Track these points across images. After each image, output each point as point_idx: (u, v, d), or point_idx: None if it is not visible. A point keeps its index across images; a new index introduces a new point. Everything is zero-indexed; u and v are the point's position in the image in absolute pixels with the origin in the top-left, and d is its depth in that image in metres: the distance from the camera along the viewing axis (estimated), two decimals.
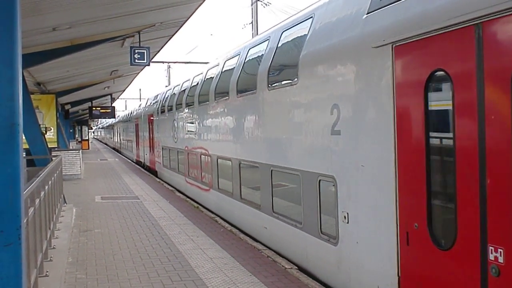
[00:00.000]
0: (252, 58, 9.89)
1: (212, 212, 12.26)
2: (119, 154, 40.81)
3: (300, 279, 6.91)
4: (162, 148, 20.38)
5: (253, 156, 9.43)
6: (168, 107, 18.79)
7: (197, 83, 14.18)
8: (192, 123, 14.56)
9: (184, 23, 13.33)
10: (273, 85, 8.41)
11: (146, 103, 27.32)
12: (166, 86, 26.82)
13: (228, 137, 11.02)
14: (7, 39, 3.58)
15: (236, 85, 10.23)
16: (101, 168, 26.89)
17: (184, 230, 10.25)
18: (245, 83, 9.96)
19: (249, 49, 10.19)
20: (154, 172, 23.00)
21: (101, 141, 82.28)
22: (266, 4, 25.97)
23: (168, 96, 19.49)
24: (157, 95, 23.30)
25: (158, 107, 21.42)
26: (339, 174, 6.17)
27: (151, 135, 23.53)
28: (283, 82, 8.16)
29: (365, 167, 5.57)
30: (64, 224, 10.64)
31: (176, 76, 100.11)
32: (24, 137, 4.31)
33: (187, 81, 16.21)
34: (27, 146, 13.74)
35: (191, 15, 12.39)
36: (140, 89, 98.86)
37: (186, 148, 15.51)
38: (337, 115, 6.10)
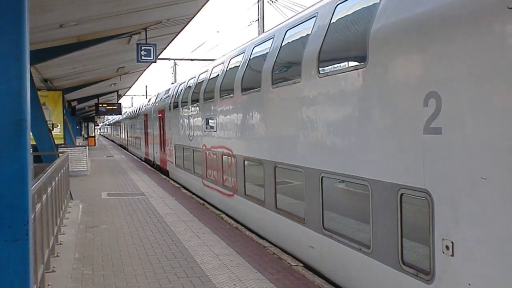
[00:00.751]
0: (295, 40, 8.27)
1: (236, 221, 10.81)
2: (126, 152, 40.02)
3: (306, 276, 6.91)
4: (175, 146, 18.85)
5: (293, 158, 7.82)
6: (182, 101, 17.15)
7: (218, 75, 12.61)
8: (211, 119, 12.93)
9: (190, 20, 13.33)
10: (326, 69, 6.77)
11: (157, 98, 25.45)
12: (172, 83, 26.74)
13: (259, 135, 9.40)
14: (16, 34, 3.59)
15: (272, 74, 8.50)
16: (107, 164, 26.97)
17: (190, 227, 10.27)
18: (286, 70, 8.45)
19: (287, 30, 8.59)
20: (165, 172, 21.64)
21: (107, 138, 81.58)
22: (272, 1, 25.92)
23: (182, 89, 17.76)
24: (169, 89, 21.87)
25: (170, 102, 19.76)
26: (437, 188, 4.59)
27: (162, 132, 22.12)
28: (342, 66, 6.53)
29: (489, 180, 4.02)
30: (70, 220, 10.69)
31: (182, 73, 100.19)
32: (31, 134, 4.32)
33: (204, 72, 14.60)
34: (34, 143, 13.80)
35: (198, 12, 12.39)
36: (146, 86, 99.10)
37: (204, 147, 13.84)
38: (436, 107, 4.52)
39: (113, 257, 8.06)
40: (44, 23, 10.49)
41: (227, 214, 11.60)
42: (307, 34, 7.44)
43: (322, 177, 6.89)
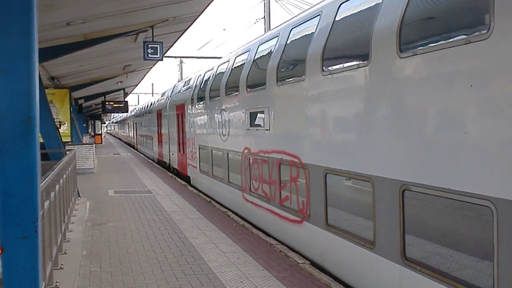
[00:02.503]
0: None
1: (306, 259, 7.70)
2: (135, 151, 37.90)
3: (313, 274, 6.91)
4: (200, 147, 15.49)
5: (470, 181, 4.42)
6: (210, 93, 13.86)
7: (270, 52, 9.50)
8: (260, 113, 9.71)
9: (197, 18, 13.33)
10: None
11: (173, 91, 22.33)
12: (177, 81, 26.47)
13: (370, 137, 5.96)
14: (25, 33, 3.61)
15: (399, 33, 5.26)
16: (114, 162, 27.06)
17: (197, 224, 10.29)
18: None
19: None
20: (185, 178, 18.24)
21: (115, 136, 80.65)
22: None
23: (209, 78, 14.36)
24: (189, 80, 18.58)
25: (192, 95, 16.40)
26: None
27: (181, 130, 18.88)
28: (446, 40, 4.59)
29: None
30: (78, 218, 10.74)
31: (188, 71, 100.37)
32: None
33: (244, 53, 11.50)
34: (42, 140, 13.87)
35: (204, 9, 12.38)
36: (152, 84, 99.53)
37: (246, 151, 10.64)
38: None
39: (120, 255, 8.09)
40: (52, 21, 10.53)
41: (286, 245, 8.52)
42: None
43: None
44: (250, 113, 10.31)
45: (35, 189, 3.73)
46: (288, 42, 8.77)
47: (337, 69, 6.85)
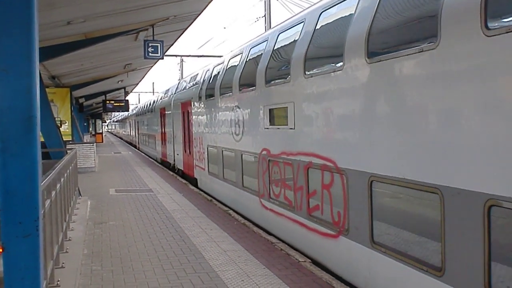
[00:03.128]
0: None
1: (345, 282, 6.58)
2: (137, 150, 37.07)
3: (314, 272, 6.92)
4: (208, 147, 14.21)
5: None
6: (221, 88, 12.67)
7: (294, 40, 8.30)
8: (283, 110, 8.57)
9: (197, 16, 13.33)
10: None
11: (177, 89, 21.39)
12: (178, 79, 26.38)
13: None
14: (25, 32, 3.62)
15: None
16: (115, 161, 27.07)
17: (198, 223, 10.29)
18: None
19: None
20: (192, 180, 17.06)
21: (116, 135, 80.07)
22: None
23: (219, 73, 13.20)
24: (195, 76, 17.47)
25: (200, 91, 15.25)
26: None
27: (186, 129, 17.83)
28: None
29: None
30: (79, 217, 10.75)
31: (188, 70, 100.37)
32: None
33: (261, 43, 10.24)
34: (43, 139, 13.88)
35: (205, 8, 12.39)
36: (153, 83, 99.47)
37: (264, 152, 9.46)
38: None
39: (121, 253, 8.10)
40: (52, 20, 10.54)
41: (315, 261, 7.51)
42: None
43: None
44: (270, 110, 9.14)
45: (36, 187, 3.73)
46: (320, 26, 7.63)
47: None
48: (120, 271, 7.15)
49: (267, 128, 9.31)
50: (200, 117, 15.34)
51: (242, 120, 10.79)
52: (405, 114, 5.34)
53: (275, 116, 8.96)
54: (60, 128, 17.67)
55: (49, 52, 12.67)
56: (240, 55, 11.58)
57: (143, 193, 14.64)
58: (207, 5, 12.10)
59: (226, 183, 12.52)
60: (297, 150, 7.98)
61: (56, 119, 17.26)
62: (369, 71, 5.94)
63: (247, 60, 10.88)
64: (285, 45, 8.89)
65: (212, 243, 8.65)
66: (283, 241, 8.65)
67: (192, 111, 16.46)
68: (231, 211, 11.51)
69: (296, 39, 8.21)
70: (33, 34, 3.67)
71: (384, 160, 5.64)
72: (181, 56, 40.26)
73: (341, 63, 6.48)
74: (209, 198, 13.58)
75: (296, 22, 8.61)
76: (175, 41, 17.63)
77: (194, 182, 16.66)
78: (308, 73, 7.52)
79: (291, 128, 8.18)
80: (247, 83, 10.50)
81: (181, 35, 16.37)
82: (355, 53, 6.14)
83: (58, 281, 6.20)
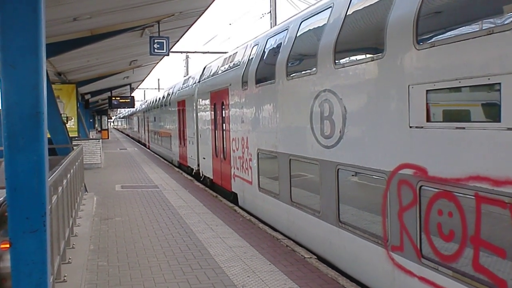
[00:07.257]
0: None
1: None
2: (143, 147, 35.53)
3: (320, 268, 6.92)
4: (260, 153, 10.29)
5: None
6: (291, 64, 8.60)
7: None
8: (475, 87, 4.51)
9: (203, 12, 13.32)
10: None
11: (202, 76, 17.16)
12: (188, 74, 26.01)
13: None
14: (32, 28, 3.63)
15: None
16: (121, 157, 27.15)
17: (204, 219, 10.31)
18: None
19: None
20: (226, 193, 13.23)
21: (122, 132, 78.26)
22: None
23: (287, 41, 8.91)
24: (235, 54, 13.13)
25: (245, 73, 11.13)
26: None
27: (219, 125, 13.79)
28: None
29: None
30: (85, 212, 10.79)
31: (193, 66, 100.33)
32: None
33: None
34: (49, 136, 13.93)
35: (210, 4, 12.38)
36: (158, 79, 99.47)
37: (411, 173, 5.21)
38: None
39: (127, 249, 8.13)
40: (58, 17, 10.55)
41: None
42: None
43: None
44: (427, 91, 4.95)
45: (43, 183, 3.75)
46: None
47: None
48: (126, 267, 7.18)
49: (422, 127, 5.05)
50: (244, 109, 11.27)
51: (342, 114, 6.71)
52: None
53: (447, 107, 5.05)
54: (66, 124, 17.72)
55: (55, 49, 12.70)
56: (330, 8, 7.34)
57: (149, 189, 14.68)
58: (212, 1, 12.08)
59: (295, 209, 8.56)
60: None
61: (62, 115, 17.32)
62: None
63: (342, 23, 6.85)
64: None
65: (217, 239, 8.66)
66: None
67: (230, 103, 12.44)
68: (236, 207, 11.49)
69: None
70: (40, 30, 3.68)
71: None
72: (187, 52, 40.19)
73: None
74: (215, 194, 13.56)
75: None
76: (180, 38, 17.62)
77: (230, 196, 12.82)
78: None
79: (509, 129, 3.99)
80: (356, 50, 6.80)
81: (186, 31, 16.35)
82: None
83: (65, 276, 6.23)
